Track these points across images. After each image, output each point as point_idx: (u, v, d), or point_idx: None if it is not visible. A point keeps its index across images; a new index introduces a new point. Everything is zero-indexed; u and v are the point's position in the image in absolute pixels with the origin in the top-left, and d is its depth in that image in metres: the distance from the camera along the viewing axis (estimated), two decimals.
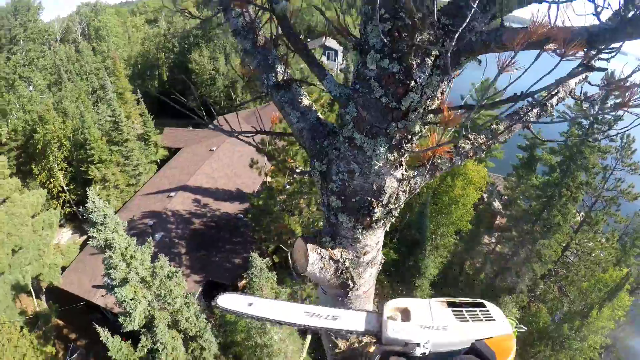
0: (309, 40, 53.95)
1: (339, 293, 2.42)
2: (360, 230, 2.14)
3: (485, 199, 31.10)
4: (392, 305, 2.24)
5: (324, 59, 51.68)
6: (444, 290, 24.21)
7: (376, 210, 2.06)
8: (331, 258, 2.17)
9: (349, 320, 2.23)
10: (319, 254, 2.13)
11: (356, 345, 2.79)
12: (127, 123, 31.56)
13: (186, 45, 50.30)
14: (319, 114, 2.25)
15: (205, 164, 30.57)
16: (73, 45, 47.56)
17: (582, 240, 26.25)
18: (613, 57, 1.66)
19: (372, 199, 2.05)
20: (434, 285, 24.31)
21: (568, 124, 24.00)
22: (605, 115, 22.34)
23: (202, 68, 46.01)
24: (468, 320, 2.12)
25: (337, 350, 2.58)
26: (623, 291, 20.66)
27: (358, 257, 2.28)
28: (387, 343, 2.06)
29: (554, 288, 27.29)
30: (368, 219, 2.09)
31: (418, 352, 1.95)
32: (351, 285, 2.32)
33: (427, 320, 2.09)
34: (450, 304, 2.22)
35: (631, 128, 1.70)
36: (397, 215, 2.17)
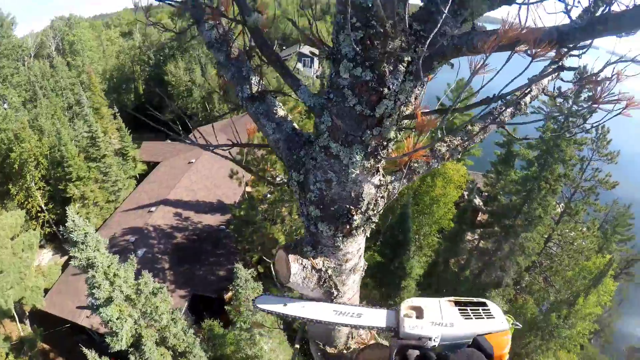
0: (284, 47, 54.01)
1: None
2: (340, 238, 2.14)
3: (466, 197, 31.51)
4: (407, 304, 2.48)
5: (299, 65, 51.78)
6: (429, 290, 24.37)
7: (355, 217, 2.06)
8: (313, 267, 2.17)
9: (372, 317, 2.44)
10: (301, 264, 2.12)
11: (345, 352, 2.82)
12: (104, 138, 31.07)
13: (162, 57, 49.87)
14: (294, 124, 2.25)
15: (184, 176, 30.29)
16: (47, 61, 46.68)
17: (564, 231, 26.82)
18: (584, 53, 1.70)
19: (351, 207, 2.05)
20: (420, 285, 24.43)
21: (544, 119, 24.49)
22: (579, 109, 22.94)
23: (178, 80, 45.65)
24: (472, 318, 2.37)
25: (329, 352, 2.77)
26: (607, 277, 21.16)
27: (340, 264, 2.28)
28: (404, 337, 2.29)
29: (539, 279, 27.77)
30: (348, 227, 2.09)
31: (429, 345, 2.23)
32: (335, 293, 2.32)
33: (437, 317, 2.34)
34: (457, 303, 2.47)
35: (605, 121, 1.73)
36: (376, 221, 2.18)
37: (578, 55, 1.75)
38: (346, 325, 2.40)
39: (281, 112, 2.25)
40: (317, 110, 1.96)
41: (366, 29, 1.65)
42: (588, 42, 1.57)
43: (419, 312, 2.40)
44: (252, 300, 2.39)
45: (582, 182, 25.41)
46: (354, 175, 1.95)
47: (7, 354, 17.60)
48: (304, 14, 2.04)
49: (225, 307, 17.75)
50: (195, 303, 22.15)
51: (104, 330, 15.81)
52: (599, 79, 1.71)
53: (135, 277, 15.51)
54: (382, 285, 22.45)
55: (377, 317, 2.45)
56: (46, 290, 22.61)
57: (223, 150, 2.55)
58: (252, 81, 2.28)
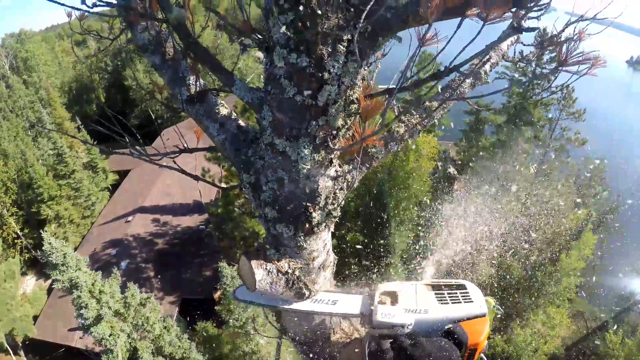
0: (241, 40, 53.12)
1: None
2: (302, 237, 2.02)
3: (440, 167, 31.82)
4: (382, 289, 2.44)
5: (259, 54, 51.02)
6: (414, 263, 24.63)
7: (314, 214, 1.94)
8: (279, 271, 2.05)
9: (346, 304, 2.40)
10: (265, 269, 2.00)
11: (327, 348, 2.75)
12: (71, 153, 30.13)
13: (119, 63, 48.45)
14: (240, 121, 2.10)
15: (158, 181, 29.72)
16: (3, 81, 44.75)
17: (539, 190, 27.36)
18: (543, 14, 1.59)
19: (308, 204, 1.93)
20: (404, 259, 24.69)
21: (508, 83, 24.81)
22: (543, 70, 23.28)
23: (139, 83, 44.50)
24: (448, 303, 2.31)
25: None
26: (587, 231, 21.73)
27: (307, 264, 2.17)
28: (377, 326, 2.25)
29: (521, 240, 28.35)
30: (307, 225, 1.97)
31: (403, 332, 2.17)
32: (307, 293, 2.21)
33: (411, 304, 2.29)
34: (434, 287, 2.43)
35: (572, 82, 1.64)
36: (338, 214, 2.06)
37: (537, 17, 1.64)
38: (322, 314, 2.37)
39: (224, 111, 2.10)
40: (256, 106, 1.81)
41: (296, 10, 1.50)
42: (546, 0, 1.45)
43: (394, 298, 2.35)
44: (232, 292, 2.35)
45: (552, 141, 25.91)
46: (305, 171, 1.82)
47: None
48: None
49: (216, 307, 17.63)
50: (186, 307, 21.94)
51: (99, 349, 15.57)
52: (560, 39, 1.62)
53: (122, 290, 15.34)
54: (367, 265, 22.61)
55: (352, 304, 2.41)
56: (35, 318, 22.14)
57: (170, 157, 2.38)
58: (190, 82, 2.11)
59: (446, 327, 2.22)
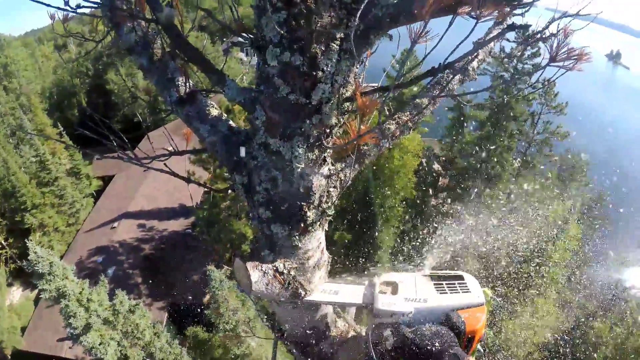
0: (224, 39, 52.74)
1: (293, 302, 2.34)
2: (297, 237, 2.01)
3: (425, 164, 32.05)
4: (383, 280, 2.51)
5: (242, 55, 50.85)
6: (400, 259, 24.80)
7: (308, 213, 1.94)
8: (275, 271, 2.04)
9: (348, 294, 2.45)
10: (261, 270, 1.99)
11: (323, 348, 2.75)
12: (53, 160, 29.59)
13: (100, 67, 47.76)
14: (230, 122, 2.08)
15: (143, 185, 29.36)
16: None
17: (523, 184, 27.76)
18: (527, 11, 1.61)
19: (302, 203, 1.92)
20: (392, 255, 24.84)
21: (490, 78, 25.11)
22: (525, 66, 23.62)
23: (121, 87, 43.89)
24: (447, 292, 2.40)
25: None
26: (572, 222, 22.11)
27: (302, 263, 2.17)
28: (378, 314, 2.33)
29: (507, 234, 28.71)
30: (302, 225, 1.96)
31: (404, 320, 2.26)
32: (302, 293, 2.21)
33: (411, 293, 2.38)
34: (433, 277, 2.53)
35: (558, 77, 1.66)
36: (332, 213, 2.06)
37: (521, 14, 1.66)
38: (324, 303, 2.42)
39: (215, 112, 2.07)
40: (248, 106, 1.80)
41: (289, 8, 1.49)
42: None
43: (394, 288, 2.43)
44: (237, 285, 2.37)
45: (535, 136, 26.31)
46: (299, 170, 1.81)
47: None
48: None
49: (206, 311, 17.52)
50: (175, 312, 21.73)
51: (89, 358, 15.35)
52: (544, 36, 1.64)
53: (110, 297, 15.14)
54: (355, 263, 22.69)
55: (354, 293, 2.47)
56: (23, 329, 21.70)
57: (160, 161, 2.35)
58: (179, 83, 2.08)
59: (445, 315, 2.29)
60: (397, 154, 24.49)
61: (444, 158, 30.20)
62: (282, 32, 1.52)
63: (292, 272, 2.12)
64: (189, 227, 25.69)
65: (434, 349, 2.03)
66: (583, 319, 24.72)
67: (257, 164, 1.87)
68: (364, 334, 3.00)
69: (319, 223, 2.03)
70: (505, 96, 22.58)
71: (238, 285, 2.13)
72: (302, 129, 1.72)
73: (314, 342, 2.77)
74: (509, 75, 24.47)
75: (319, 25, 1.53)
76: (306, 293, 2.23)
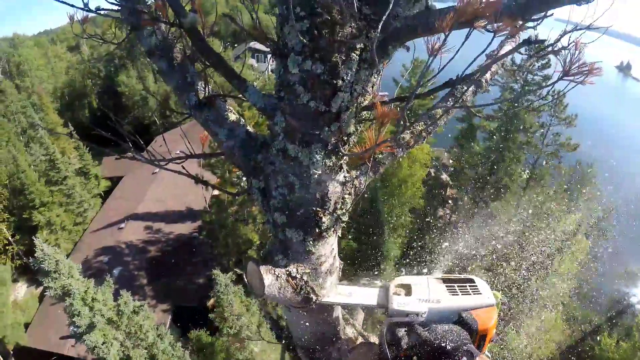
0: (235, 45, 53.08)
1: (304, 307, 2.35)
2: (311, 242, 2.03)
3: (433, 174, 31.96)
4: (397, 282, 2.58)
5: (253, 61, 51.08)
6: (408, 269, 24.68)
7: (324, 219, 1.96)
8: (288, 276, 2.06)
9: (362, 296, 2.52)
10: (274, 274, 2.01)
11: (333, 354, 2.75)
12: (63, 159, 29.92)
13: (112, 69, 48.27)
14: (248, 127, 2.11)
15: (150, 188, 29.58)
16: None
17: (532, 196, 27.56)
18: (539, 24, 1.63)
19: (318, 209, 1.94)
20: (399, 265, 24.73)
21: (500, 89, 25.07)
22: (535, 77, 23.56)
23: (132, 89, 44.27)
24: (458, 294, 2.47)
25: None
26: (580, 235, 21.90)
27: (315, 268, 2.18)
28: (392, 314, 2.39)
29: (515, 245, 28.47)
30: (317, 230, 1.98)
31: (417, 320, 2.33)
32: (314, 298, 2.22)
33: (425, 294, 2.45)
34: (445, 280, 2.59)
35: (569, 90, 1.68)
36: (346, 219, 2.08)
37: (533, 27, 1.68)
38: (337, 304, 2.47)
39: (233, 117, 2.10)
40: (268, 112, 1.83)
41: (312, 18, 1.54)
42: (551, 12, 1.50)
43: (408, 290, 2.50)
44: (249, 288, 2.44)
45: (544, 147, 26.17)
46: (316, 176, 1.84)
47: None
48: (242, 9, 1.89)
49: (209, 315, 17.51)
50: (179, 315, 21.76)
51: (91, 357, 15.39)
52: (556, 49, 1.66)
53: (114, 297, 15.17)
54: (361, 271, 22.60)
55: (368, 295, 2.54)
56: (27, 325, 21.85)
57: (177, 163, 2.38)
58: (199, 87, 2.12)
59: (457, 315, 2.38)
60: (406, 163, 24.45)
61: (452, 168, 30.14)
62: (305, 40, 1.55)
63: (305, 277, 2.13)
64: (196, 231, 25.77)
65: (448, 346, 2.10)
66: (589, 333, 24.43)
67: (275, 169, 1.90)
68: (372, 340, 3.02)
69: (333, 229, 2.05)
70: (515, 107, 22.53)
71: (250, 288, 2.14)
72: (321, 136, 1.74)
73: (322, 347, 2.78)
74: (519, 86, 24.42)
75: (340, 35, 1.56)
76: (318, 298, 2.24)
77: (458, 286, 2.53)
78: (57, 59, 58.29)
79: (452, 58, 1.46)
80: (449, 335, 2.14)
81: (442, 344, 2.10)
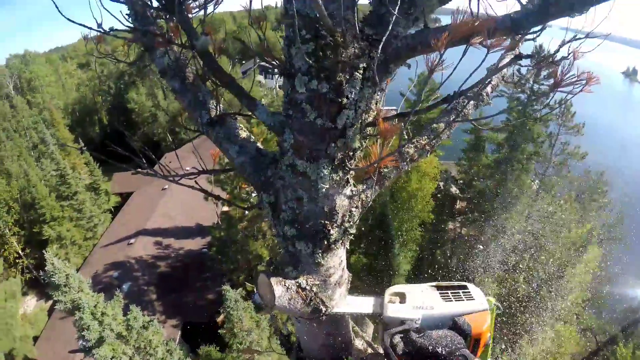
0: (243, 62, 53.74)
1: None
2: (320, 254, 2.09)
3: (442, 187, 31.84)
4: (392, 291, 2.67)
5: (261, 78, 51.67)
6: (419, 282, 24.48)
7: (332, 232, 2.02)
8: (298, 287, 2.11)
9: (358, 304, 2.60)
10: (285, 285, 2.06)
11: None
12: (73, 175, 30.22)
13: (122, 86, 49.02)
14: (258, 144, 2.19)
15: (160, 204, 29.73)
16: (7, 101, 45.17)
17: (542, 207, 27.33)
18: (538, 36, 1.69)
19: (326, 222, 2.00)
20: (410, 280, 24.58)
21: (507, 100, 25.07)
22: (541, 87, 23.54)
23: (141, 106, 44.86)
24: (452, 300, 2.54)
25: None
26: (592, 244, 21.64)
27: (324, 280, 2.23)
28: (388, 321, 2.46)
29: (526, 257, 28.17)
30: (326, 242, 2.04)
31: (412, 327, 2.37)
32: (323, 309, 2.26)
33: (419, 301, 2.51)
34: (438, 288, 2.66)
35: (569, 99, 1.73)
36: (353, 232, 2.14)
37: (533, 39, 1.75)
38: (336, 314, 2.49)
39: (243, 134, 2.19)
40: (277, 129, 1.91)
41: (317, 40, 1.62)
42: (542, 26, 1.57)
43: (402, 298, 2.57)
44: (252, 296, 2.48)
45: (553, 157, 26.02)
46: (324, 190, 1.91)
47: None
48: (257, 29, 1.98)
49: (219, 331, 17.45)
50: (188, 331, 21.70)
51: None
52: (555, 59, 1.71)
53: (124, 312, 15.18)
54: (371, 286, 22.46)
55: (364, 304, 2.62)
56: (35, 339, 21.89)
57: (190, 179, 2.47)
58: (210, 105, 2.21)
59: (451, 320, 2.42)
60: (415, 177, 24.44)
61: (461, 181, 30.02)
62: (310, 61, 1.64)
63: (315, 289, 2.18)
64: (205, 247, 25.81)
65: (443, 351, 2.14)
66: (604, 344, 23.98)
67: (284, 183, 1.97)
68: (380, 352, 3.04)
69: (341, 241, 2.11)
70: (523, 117, 22.53)
71: (260, 299, 2.20)
72: (328, 152, 1.82)
73: (332, 359, 2.81)
74: (525, 96, 24.42)
75: (343, 55, 1.64)
76: (327, 309, 2.29)
77: (451, 293, 2.59)
78: (67, 75, 59.37)
79: (451, 74, 1.53)
80: (443, 341, 2.19)
81: (437, 349, 2.15)
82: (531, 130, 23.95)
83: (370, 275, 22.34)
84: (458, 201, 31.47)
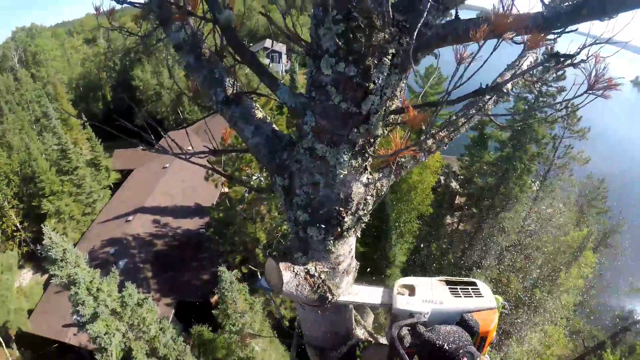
0: (251, 45, 53.38)
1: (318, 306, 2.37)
2: (331, 241, 2.05)
3: (443, 181, 31.87)
4: (401, 283, 2.65)
5: (267, 61, 51.44)
6: (413, 274, 24.58)
7: (346, 219, 1.98)
8: (306, 273, 2.08)
9: (367, 295, 2.58)
10: (293, 271, 2.03)
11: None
12: (74, 150, 30.22)
13: (128, 62, 48.74)
14: (274, 125, 2.14)
15: (160, 182, 29.76)
16: (11, 74, 44.91)
17: (541, 208, 27.39)
18: (559, 37, 1.65)
19: (341, 208, 1.96)
20: (404, 271, 24.72)
21: (514, 99, 24.96)
22: (549, 88, 23.42)
23: (146, 84, 44.62)
24: (461, 296, 2.52)
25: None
26: (587, 250, 21.73)
27: (333, 268, 2.20)
28: (396, 313, 2.45)
29: (521, 257, 28.29)
30: (339, 229, 2.00)
31: (421, 320, 2.36)
32: (330, 297, 2.24)
33: (428, 295, 2.50)
34: (448, 283, 2.64)
35: (586, 104, 1.69)
36: (367, 220, 2.11)
37: (553, 40, 1.70)
38: (343, 303, 2.49)
39: (259, 114, 2.13)
40: (299, 111, 1.85)
41: (348, 22, 1.57)
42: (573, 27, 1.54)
43: (412, 291, 2.56)
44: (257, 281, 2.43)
45: (556, 159, 26.01)
46: (342, 176, 1.86)
47: None
48: (273, 9, 1.92)
49: (213, 311, 17.58)
50: (182, 310, 21.87)
51: (93, 347, 15.50)
52: (575, 61, 1.68)
53: (119, 289, 15.30)
54: (366, 275, 22.57)
55: (373, 294, 2.61)
56: (30, 312, 22.07)
57: (201, 157, 2.42)
58: (227, 83, 2.15)
59: (459, 317, 2.41)
60: (417, 169, 24.45)
61: (462, 176, 30.05)
62: (340, 43, 1.58)
63: (323, 276, 2.15)
64: (203, 227, 25.89)
65: (449, 347, 2.12)
66: (591, 349, 24.20)
67: (301, 167, 1.92)
68: (382, 341, 3.04)
69: (354, 229, 2.07)
70: (529, 118, 22.43)
71: (267, 284, 2.17)
72: (349, 137, 1.77)
73: (334, 347, 2.80)
74: (533, 96, 24.29)
75: (374, 39, 1.59)
76: (333, 297, 2.26)
77: (461, 288, 2.57)
78: (73, 50, 59.02)
79: (481, 67, 1.49)
80: (451, 336, 2.17)
81: (444, 344, 2.13)
82: (536, 131, 23.88)
83: (365, 264, 22.41)
84: (457, 196, 31.55)
